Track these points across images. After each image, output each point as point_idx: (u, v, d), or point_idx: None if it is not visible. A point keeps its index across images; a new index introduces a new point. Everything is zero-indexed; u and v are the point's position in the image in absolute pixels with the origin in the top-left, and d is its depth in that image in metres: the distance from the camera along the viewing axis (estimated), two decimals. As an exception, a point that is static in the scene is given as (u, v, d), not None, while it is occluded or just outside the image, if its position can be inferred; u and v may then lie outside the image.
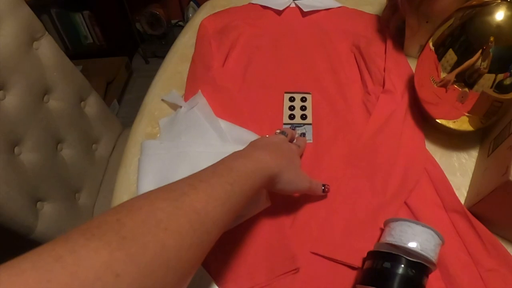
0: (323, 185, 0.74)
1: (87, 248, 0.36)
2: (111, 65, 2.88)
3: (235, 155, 0.62)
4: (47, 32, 1.27)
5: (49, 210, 1.18)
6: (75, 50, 3.00)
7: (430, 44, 0.79)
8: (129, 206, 0.45)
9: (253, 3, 1.28)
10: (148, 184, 0.81)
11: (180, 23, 3.30)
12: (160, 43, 3.25)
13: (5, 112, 1.08)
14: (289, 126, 0.91)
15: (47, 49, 1.26)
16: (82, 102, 1.43)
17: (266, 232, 0.73)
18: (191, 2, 3.07)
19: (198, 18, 1.26)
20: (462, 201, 0.75)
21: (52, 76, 1.27)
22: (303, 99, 0.97)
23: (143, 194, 0.48)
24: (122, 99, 2.90)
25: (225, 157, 0.61)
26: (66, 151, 1.32)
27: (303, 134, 0.89)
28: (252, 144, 0.71)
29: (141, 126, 0.97)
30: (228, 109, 0.93)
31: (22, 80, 1.14)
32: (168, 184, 0.51)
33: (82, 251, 0.36)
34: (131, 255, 0.38)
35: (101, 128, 1.51)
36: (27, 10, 1.18)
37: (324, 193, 0.75)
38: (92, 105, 1.47)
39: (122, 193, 0.85)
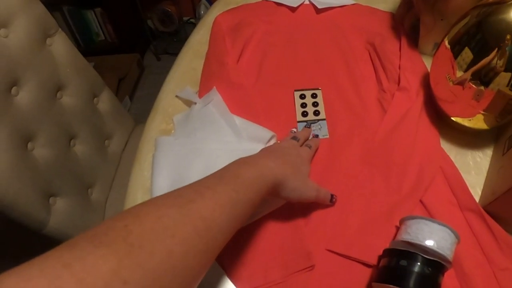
0: (332, 195, 0.74)
1: (95, 255, 0.37)
2: (123, 62, 2.90)
3: (240, 162, 0.62)
4: (60, 29, 1.28)
5: (62, 205, 1.19)
6: (87, 47, 3.03)
7: (446, 42, 0.78)
8: (137, 212, 0.45)
9: (266, 0, 1.28)
10: (163, 180, 0.82)
11: (192, 20, 3.31)
12: (171, 40, 3.26)
13: (18, 108, 1.09)
14: (304, 123, 0.91)
15: (60, 45, 1.27)
16: (95, 98, 1.44)
17: (281, 230, 0.73)
18: (203, -1, 3.08)
19: (212, 15, 1.26)
20: (477, 199, 0.75)
21: (65, 73, 1.28)
22: (314, 96, 0.97)
23: (150, 200, 0.49)
24: (134, 95, 2.92)
25: (231, 163, 0.62)
26: (78, 146, 1.33)
27: (318, 131, 0.89)
28: (262, 150, 0.72)
29: (155, 122, 0.98)
30: (242, 105, 0.94)
31: (36, 76, 1.15)
32: (175, 190, 0.52)
33: (90, 258, 0.36)
34: (138, 262, 0.39)
35: (113, 124, 1.52)
36: (40, 7, 1.19)
37: (332, 203, 0.75)
38: (105, 101, 1.49)
39: (136, 189, 0.85)
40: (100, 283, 0.35)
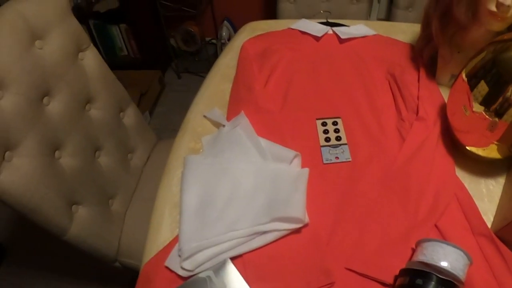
0: None
1: None
2: (145, 77, 2.93)
3: None
4: (92, 44, 1.32)
5: (84, 213, 1.21)
6: (109, 61, 3.01)
7: (463, 75, 0.82)
8: None
9: (292, 28, 1.34)
10: (192, 197, 0.86)
11: (213, 41, 3.34)
12: (193, 59, 3.30)
13: (49, 117, 1.12)
14: (327, 147, 0.96)
15: (92, 60, 1.31)
16: (121, 113, 1.48)
17: (304, 249, 0.77)
18: (225, 21, 3.13)
19: (239, 40, 1.32)
20: (489, 225, 0.78)
21: (95, 86, 1.32)
22: (335, 123, 1.02)
23: None
24: (154, 111, 2.95)
25: None
26: (103, 158, 1.37)
27: (341, 154, 0.94)
28: None
29: (184, 141, 1.03)
30: (269, 129, 0.99)
31: (67, 88, 1.19)
32: None
33: None
34: None
35: (137, 139, 1.56)
36: (75, 22, 1.24)
37: None
38: (131, 116, 1.53)
39: (164, 204, 0.90)
40: None
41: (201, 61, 3.25)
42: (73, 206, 1.18)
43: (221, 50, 3.16)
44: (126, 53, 3.18)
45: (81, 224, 1.19)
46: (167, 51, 3.25)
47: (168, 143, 1.71)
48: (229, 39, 3.14)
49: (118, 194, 1.42)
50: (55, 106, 1.15)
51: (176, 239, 0.82)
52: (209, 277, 0.72)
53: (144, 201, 1.48)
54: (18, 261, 2.18)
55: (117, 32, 3.04)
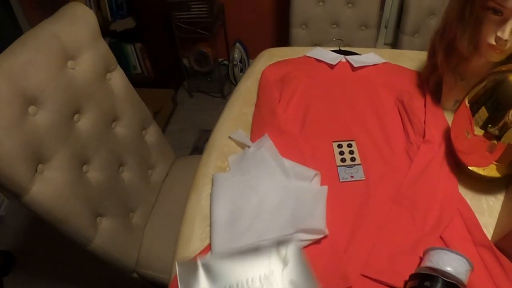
0: None
1: None
2: (158, 96, 2.98)
3: None
4: (118, 66, 1.38)
5: (107, 225, 1.26)
6: None
7: (466, 101, 0.90)
8: None
9: (308, 56, 1.42)
10: (222, 210, 0.93)
11: (225, 62, 3.38)
12: (205, 79, 3.34)
13: (79, 134, 1.18)
14: (343, 167, 1.05)
15: (118, 80, 1.39)
16: (144, 131, 1.54)
17: (323, 256, 0.85)
18: (237, 43, 3.19)
19: (259, 65, 1.41)
20: (489, 237, 0.86)
21: (121, 105, 1.39)
22: (349, 145, 1.10)
23: None
24: (166, 129, 2.99)
25: None
26: (126, 173, 1.43)
27: (356, 174, 1.03)
28: None
29: (211, 159, 1.11)
30: (291, 150, 1.07)
31: (96, 107, 1.25)
32: None
33: None
34: None
35: (157, 156, 1.61)
36: (104, 45, 1.31)
37: None
38: (152, 134, 1.58)
39: (194, 216, 0.98)
40: None
41: (213, 81, 3.30)
42: (98, 218, 1.23)
43: (233, 71, 3.24)
44: (140, 71, 3.26)
45: (105, 235, 1.23)
46: (180, 70, 3.31)
47: (185, 160, 1.77)
48: (240, 61, 3.21)
49: (139, 207, 1.47)
50: (85, 123, 1.21)
51: (206, 249, 0.88)
52: (271, 249, 0.79)
53: (163, 215, 1.52)
54: (26, 269, 2.22)
55: (132, 51, 3.12)
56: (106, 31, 2.84)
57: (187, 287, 0.72)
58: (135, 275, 1.42)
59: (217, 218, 0.91)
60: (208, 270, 0.75)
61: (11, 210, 2.50)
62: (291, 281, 0.75)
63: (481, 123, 0.84)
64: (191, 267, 0.75)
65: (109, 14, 2.92)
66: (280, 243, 0.79)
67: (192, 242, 0.92)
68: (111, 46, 1.31)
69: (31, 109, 1.02)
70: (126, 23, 2.92)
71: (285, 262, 0.78)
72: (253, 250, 0.79)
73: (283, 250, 0.79)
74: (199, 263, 0.76)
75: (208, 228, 0.93)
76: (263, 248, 0.79)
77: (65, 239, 1.13)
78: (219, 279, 0.75)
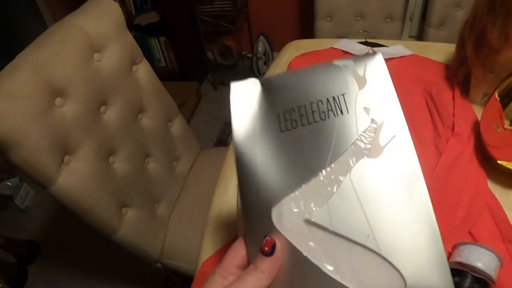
0: None
1: None
2: (183, 88, 3.01)
3: None
4: (144, 58, 1.39)
5: (132, 216, 1.28)
6: None
7: (496, 94, 0.89)
8: None
9: (334, 48, 1.40)
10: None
11: (249, 55, 3.41)
12: (229, 72, 3.37)
13: (105, 125, 1.20)
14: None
15: (144, 73, 1.40)
16: (169, 123, 1.55)
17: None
18: (261, 36, 3.20)
19: (285, 56, 1.40)
20: (519, 233, 0.84)
21: (147, 97, 1.40)
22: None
23: None
24: (190, 121, 3.01)
25: None
26: (151, 165, 1.44)
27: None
28: None
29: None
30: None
31: (122, 98, 1.27)
32: None
33: None
34: None
35: (182, 148, 1.63)
36: (130, 38, 1.32)
37: None
38: (178, 126, 1.60)
39: (221, 207, 0.98)
40: None
41: (237, 74, 3.32)
42: (123, 209, 1.25)
43: (257, 64, 3.25)
44: (164, 64, 3.30)
45: (129, 225, 1.25)
46: (204, 63, 3.33)
47: (210, 152, 1.78)
48: (264, 54, 3.22)
49: (164, 199, 1.48)
50: (111, 115, 1.23)
51: (233, 239, 0.88)
52: (346, 65, 0.59)
53: (187, 206, 1.54)
54: (51, 258, 2.27)
55: (156, 44, 3.16)
56: (130, 25, 2.80)
57: (239, 109, 0.57)
58: (159, 265, 1.44)
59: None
60: (269, 90, 0.59)
61: (37, 201, 2.57)
62: (366, 107, 0.58)
63: (511, 116, 0.83)
64: (248, 85, 0.59)
65: (133, 8, 2.96)
66: (358, 59, 0.61)
67: (218, 233, 0.93)
68: (136, 40, 1.32)
69: (58, 100, 1.04)
70: (150, 17, 2.95)
71: (361, 83, 0.61)
72: (323, 68, 0.61)
73: (361, 68, 0.60)
74: (258, 81, 0.60)
75: (235, 219, 0.94)
76: (335, 65, 0.60)
77: (89, 229, 1.15)
78: (279, 100, 0.58)
